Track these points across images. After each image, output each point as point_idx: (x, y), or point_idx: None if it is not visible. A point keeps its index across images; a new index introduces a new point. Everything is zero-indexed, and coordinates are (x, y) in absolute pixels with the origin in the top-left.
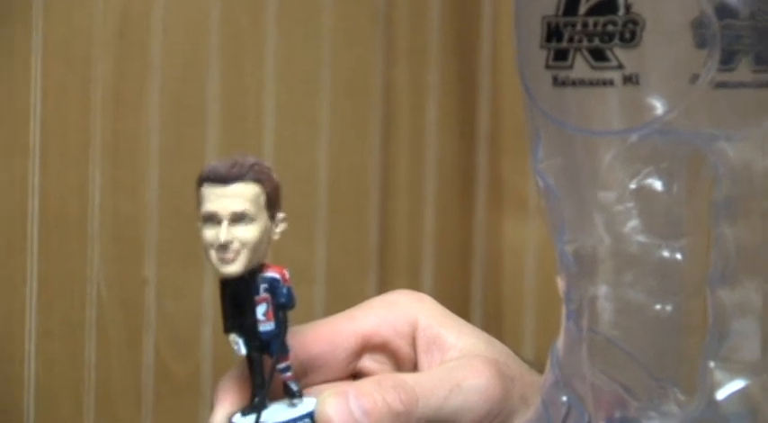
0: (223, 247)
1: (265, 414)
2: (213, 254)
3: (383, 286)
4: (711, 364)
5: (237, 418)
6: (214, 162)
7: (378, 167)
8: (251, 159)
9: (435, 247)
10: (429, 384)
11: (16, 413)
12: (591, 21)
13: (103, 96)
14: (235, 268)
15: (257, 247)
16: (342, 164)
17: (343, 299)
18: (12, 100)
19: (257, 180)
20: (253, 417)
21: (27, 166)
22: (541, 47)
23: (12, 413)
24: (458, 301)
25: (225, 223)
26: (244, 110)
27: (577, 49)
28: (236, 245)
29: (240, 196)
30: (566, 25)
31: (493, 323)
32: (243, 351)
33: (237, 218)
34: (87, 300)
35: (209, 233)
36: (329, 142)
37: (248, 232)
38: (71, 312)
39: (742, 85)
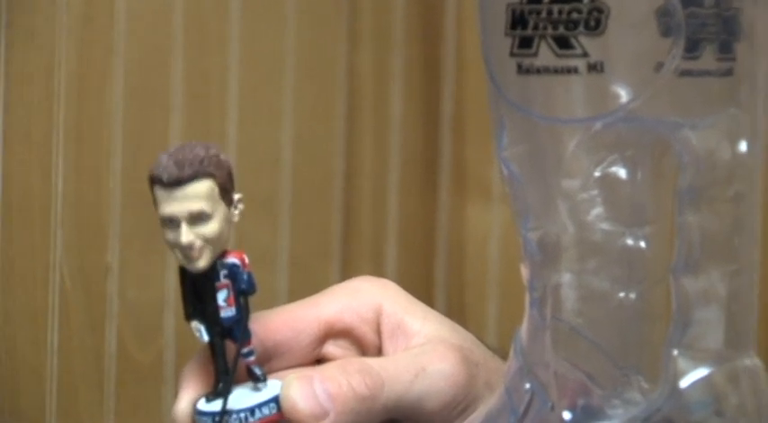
0: (186, 247)
1: (230, 399)
2: (178, 252)
3: (347, 272)
4: (675, 352)
5: (202, 404)
6: (163, 158)
7: (341, 153)
8: (199, 151)
9: (399, 233)
10: (394, 369)
11: None
12: (556, 8)
13: (67, 82)
14: (201, 264)
15: (220, 239)
16: (305, 149)
17: (306, 285)
18: None
19: (208, 175)
20: (218, 402)
21: None
22: (506, 34)
23: None
24: (421, 288)
25: (184, 225)
26: (208, 95)
27: (542, 37)
28: (198, 243)
29: (194, 196)
30: (530, 12)
31: (456, 310)
32: (205, 338)
33: (195, 217)
34: (50, 286)
35: (171, 235)
36: (293, 127)
37: (208, 229)
38: (34, 299)
39: (706, 73)
